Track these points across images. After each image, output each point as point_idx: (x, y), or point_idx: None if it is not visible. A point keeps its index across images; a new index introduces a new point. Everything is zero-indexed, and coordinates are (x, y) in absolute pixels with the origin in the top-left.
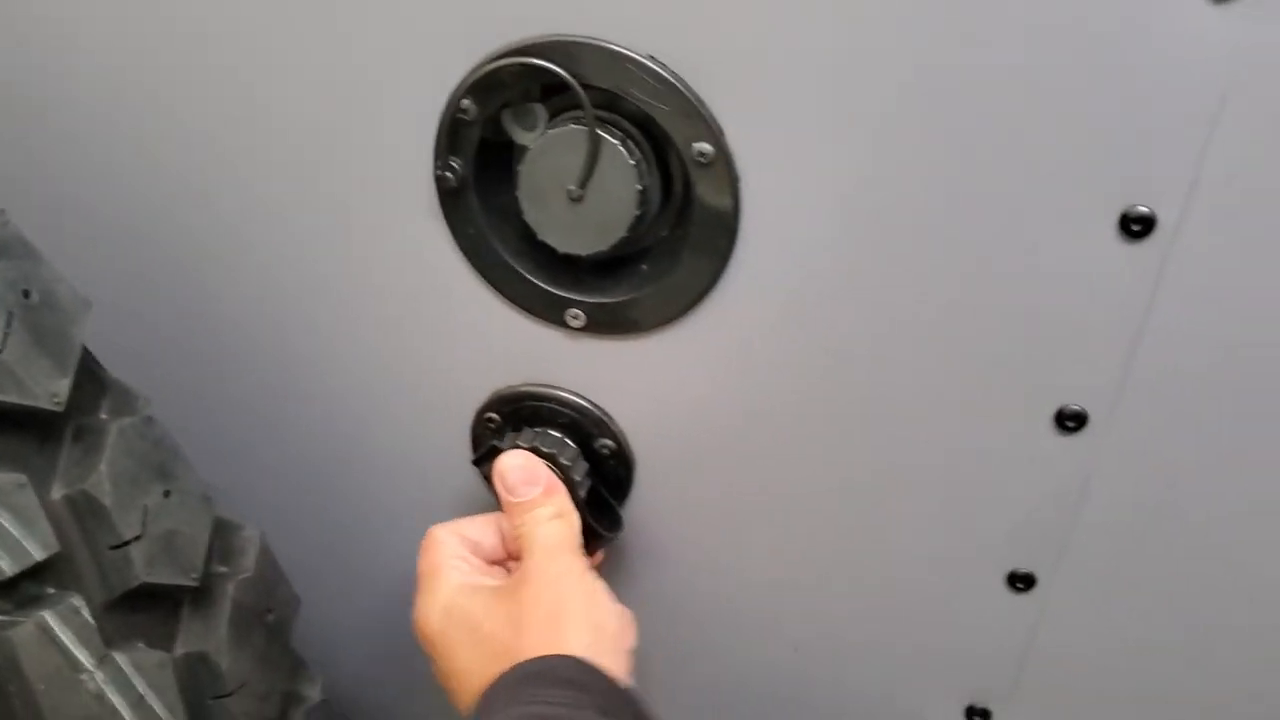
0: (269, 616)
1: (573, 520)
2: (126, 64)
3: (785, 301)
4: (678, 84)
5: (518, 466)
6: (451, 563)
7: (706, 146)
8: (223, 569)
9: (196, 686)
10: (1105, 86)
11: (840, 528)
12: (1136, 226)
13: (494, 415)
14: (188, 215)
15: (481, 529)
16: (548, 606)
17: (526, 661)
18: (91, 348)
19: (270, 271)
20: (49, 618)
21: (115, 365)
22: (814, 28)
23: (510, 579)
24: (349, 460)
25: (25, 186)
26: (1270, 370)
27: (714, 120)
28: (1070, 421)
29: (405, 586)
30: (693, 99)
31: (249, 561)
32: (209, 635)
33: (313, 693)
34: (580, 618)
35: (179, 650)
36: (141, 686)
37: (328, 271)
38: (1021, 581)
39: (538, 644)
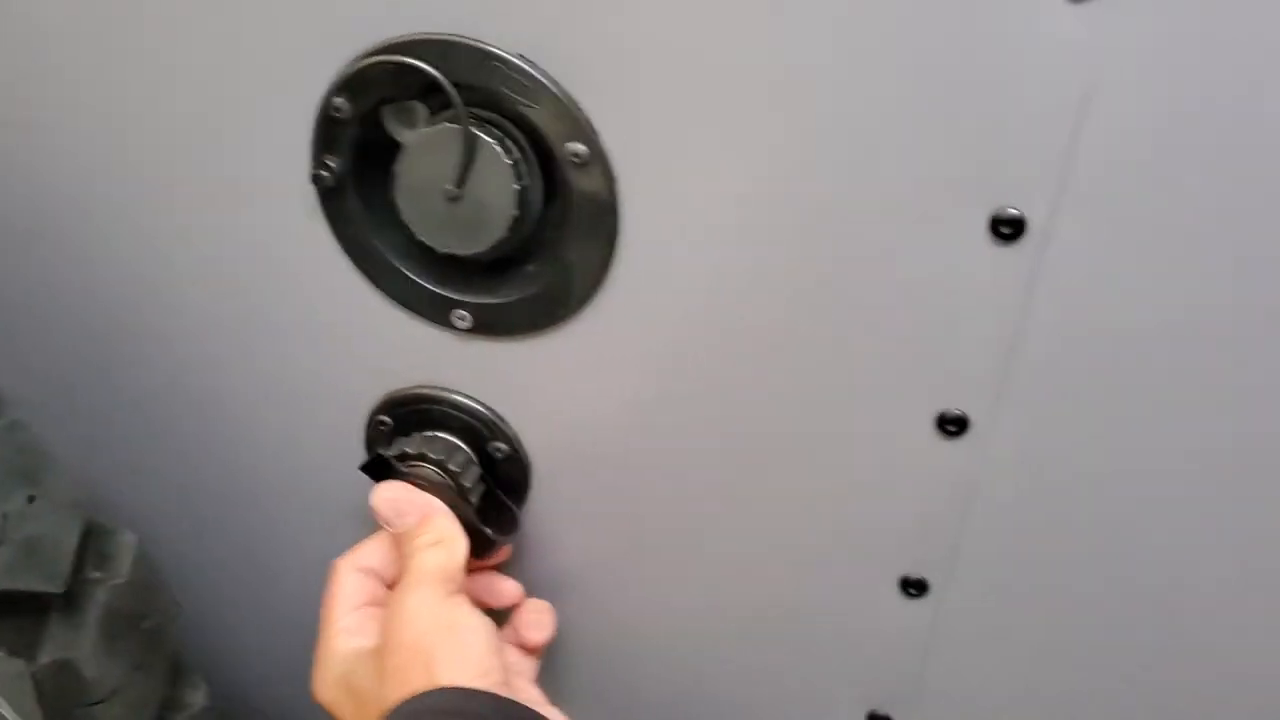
0: (145, 623)
1: (454, 546)
2: None
3: (667, 304)
4: (549, 83)
5: (389, 499)
6: (342, 624)
7: (580, 147)
8: (95, 575)
9: (62, 695)
10: (966, 90)
11: (730, 532)
12: (1006, 229)
13: (386, 418)
14: (67, 223)
15: (384, 553)
16: (407, 648)
17: (393, 709)
18: None
19: (157, 276)
20: None
21: None
22: (684, 29)
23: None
24: (242, 464)
25: None
26: (1150, 368)
27: (587, 120)
28: (951, 426)
29: (299, 591)
30: (564, 99)
31: (123, 567)
32: (76, 643)
33: (197, 699)
34: (444, 651)
35: (44, 658)
36: None
37: (214, 274)
38: (914, 587)
39: (402, 688)
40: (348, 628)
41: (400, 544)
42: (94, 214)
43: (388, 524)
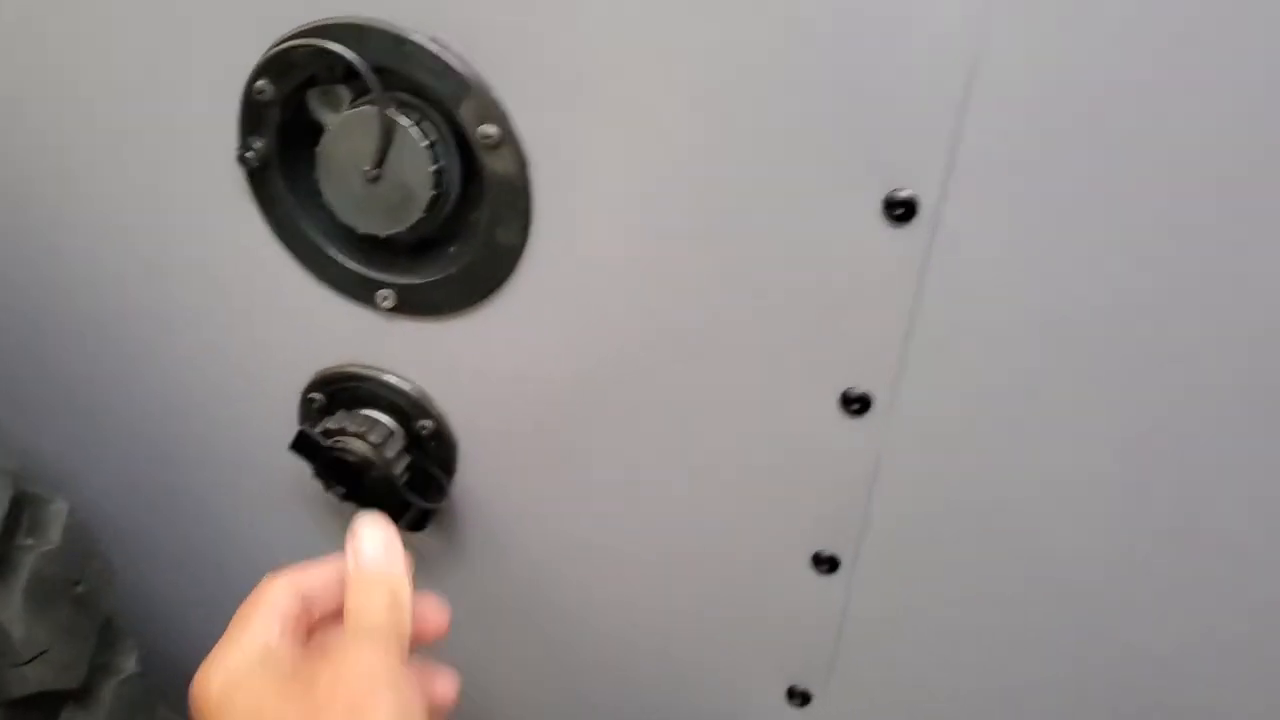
0: (77, 589)
1: (403, 613)
2: None
3: (580, 283)
4: (460, 66)
5: (382, 537)
6: (259, 629)
7: (493, 129)
8: (27, 541)
9: None
10: (857, 75)
11: (649, 506)
12: (899, 210)
13: (317, 395)
14: (10, 204)
15: (324, 581)
16: (350, 695)
17: None
18: None
19: (92, 257)
20: None
21: None
22: (590, 17)
23: (314, 660)
24: (180, 438)
25: None
26: (1041, 346)
27: (498, 103)
28: (855, 405)
29: (233, 560)
30: (475, 82)
31: (54, 534)
32: (5, 605)
33: (128, 664)
34: (387, 706)
35: None
36: None
37: (147, 252)
38: (826, 564)
39: None
40: (265, 633)
41: (354, 587)
42: (25, 198)
43: (360, 556)
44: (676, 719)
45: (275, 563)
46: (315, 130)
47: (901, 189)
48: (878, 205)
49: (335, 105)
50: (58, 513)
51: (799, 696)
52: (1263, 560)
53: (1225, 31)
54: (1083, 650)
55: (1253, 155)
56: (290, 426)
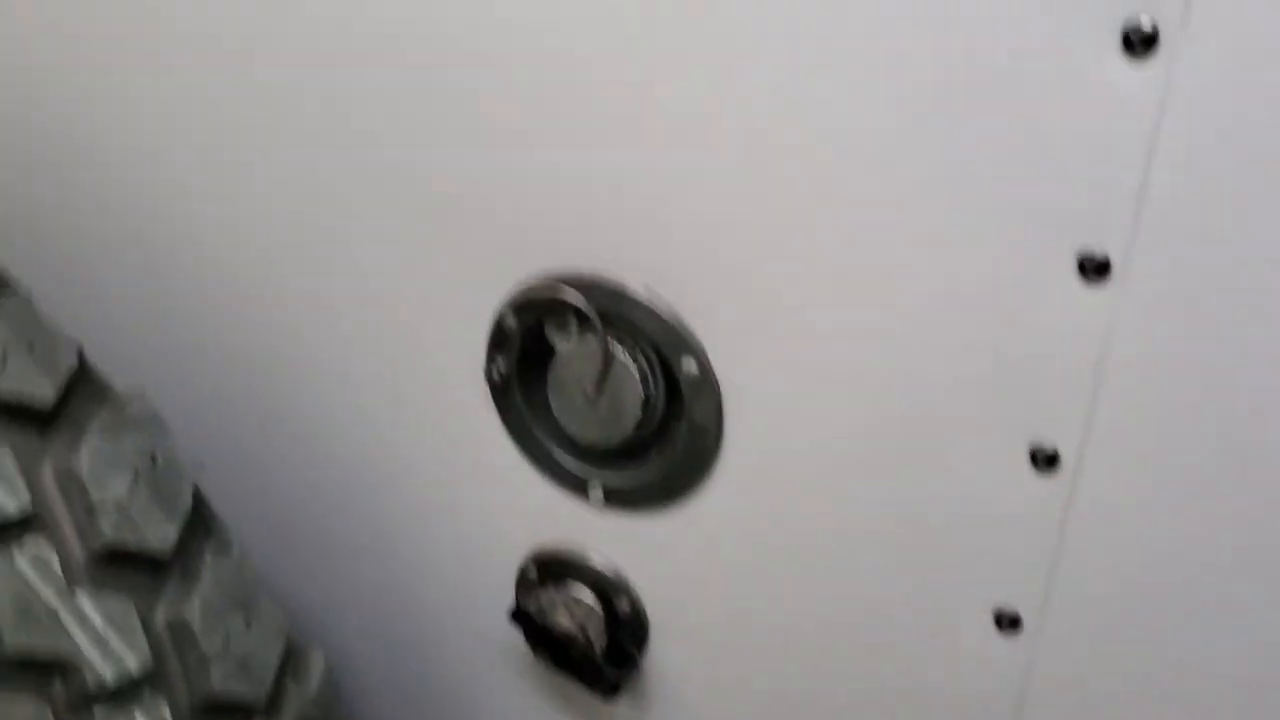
0: None
1: None
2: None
3: (758, 503)
4: (668, 314)
5: None
6: None
7: (693, 366)
8: (293, 685)
9: None
10: (1002, 343)
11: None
12: (1046, 458)
13: (533, 566)
14: (311, 399)
15: None
16: None
17: None
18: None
19: (367, 432)
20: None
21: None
22: (780, 285)
23: None
24: (418, 597)
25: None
26: (1170, 588)
27: (700, 347)
28: (1008, 624)
29: (446, 701)
30: (680, 326)
31: (314, 683)
32: None
33: None
34: None
35: None
36: None
37: (413, 440)
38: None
39: None
40: None
41: None
42: (316, 408)
43: None
44: None
45: (482, 707)
46: (546, 351)
47: (1044, 442)
48: (1024, 455)
49: (565, 332)
50: (316, 662)
51: None
52: None
53: None
54: None
55: None
56: (508, 591)
